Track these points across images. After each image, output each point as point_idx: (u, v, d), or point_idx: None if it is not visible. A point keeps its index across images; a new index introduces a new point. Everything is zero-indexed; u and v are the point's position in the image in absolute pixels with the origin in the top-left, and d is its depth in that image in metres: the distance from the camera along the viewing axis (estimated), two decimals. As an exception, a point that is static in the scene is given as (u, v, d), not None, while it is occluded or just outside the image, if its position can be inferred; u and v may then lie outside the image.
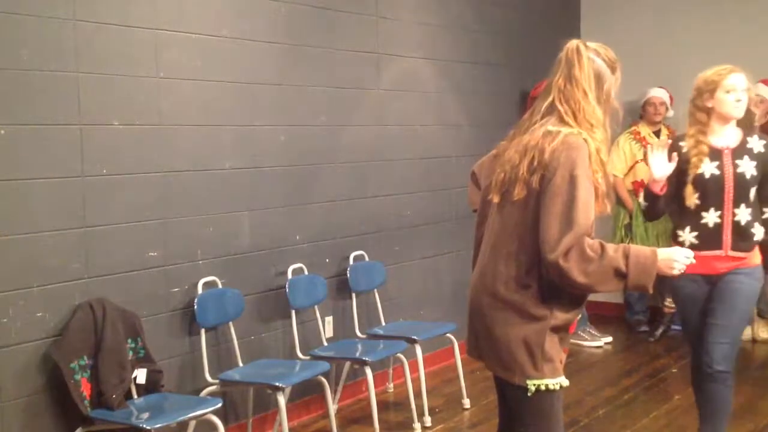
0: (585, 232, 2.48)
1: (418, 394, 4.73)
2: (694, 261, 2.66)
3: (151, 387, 3.79)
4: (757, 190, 3.73)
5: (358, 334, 4.97)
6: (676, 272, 2.60)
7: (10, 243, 3.43)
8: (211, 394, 4.04)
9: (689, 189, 3.67)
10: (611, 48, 2.75)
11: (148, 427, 3.37)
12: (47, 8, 3.55)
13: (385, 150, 5.37)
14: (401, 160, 5.50)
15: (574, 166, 2.51)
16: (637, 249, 2.54)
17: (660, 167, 3.62)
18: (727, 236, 3.67)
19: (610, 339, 6.40)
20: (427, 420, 4.72)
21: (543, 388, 2.60)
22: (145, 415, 3.54)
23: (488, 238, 2.71)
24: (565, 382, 2.65)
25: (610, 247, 2.51)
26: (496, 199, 2.68)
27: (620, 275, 2.50)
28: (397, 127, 5.46)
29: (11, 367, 3.43)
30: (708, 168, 3.67)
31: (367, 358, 4.41)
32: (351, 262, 5.06)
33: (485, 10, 6.22)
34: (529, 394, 2.61)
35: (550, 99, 2.67)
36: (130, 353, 3.74)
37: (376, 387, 4.60)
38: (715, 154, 3.69)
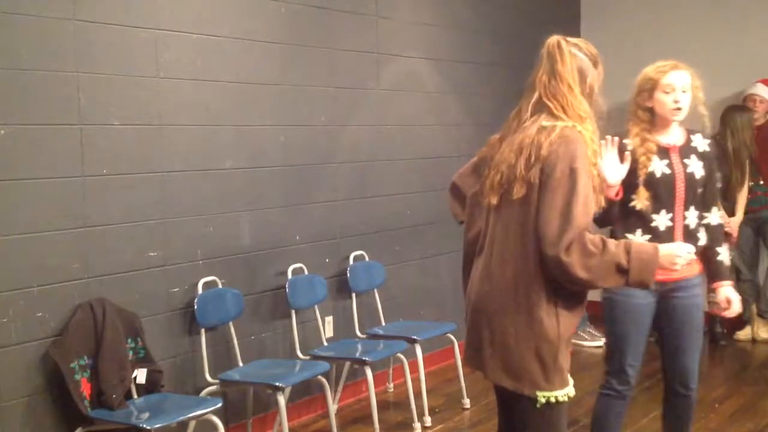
0: (586, 226, 2.46)
1: (418, 394, 4.73)
2: (695, 257, 2.63)
3: (151, 387, 3.79)
4: (701, 192, 3.47)
5: (358, 334, 4.97)
6: (678, 267, 2.58)
7: (10, 243, 3.43)
8: (211, 394, 4.04)
9: (642, 190, 3.36)
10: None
11: (148, 427, 3.38)
12: (47, 8, 3.55)
13: (385, 150, 5.37)
14: (401, 160, 5.50)
15: (573, 159, 2.48)
16: (639, 245, 2.52)
17: (613, 171, 3.28)
18: (679, 240, 3.33)
19: (610, 339, 6.39)
20: (427, 420, 4.72)
21: (552, 400, 2.57)
22: (145, 415, 3.53)
23: (489, 243, 2.65)
24: (572, 392, 2.62)
25: (612, 243, 2.48)
26: (494, 201, 2.62)
27: (621, 271, 2.47)
28: (397, 127, 5.46)
29: (11, 367, 3.43)
30: (658, 166, 3.40)
31: (367, 358, 4.41)
32: (351, 262, 5.06)
33: (485, 10, 6.22)
34: (537, 406, 2.57)
35: (536, 96, 2.64)
36: (130, 353, 3.74)
37: (376, 387, 4.60)
38: (663, 152, 3.42)
